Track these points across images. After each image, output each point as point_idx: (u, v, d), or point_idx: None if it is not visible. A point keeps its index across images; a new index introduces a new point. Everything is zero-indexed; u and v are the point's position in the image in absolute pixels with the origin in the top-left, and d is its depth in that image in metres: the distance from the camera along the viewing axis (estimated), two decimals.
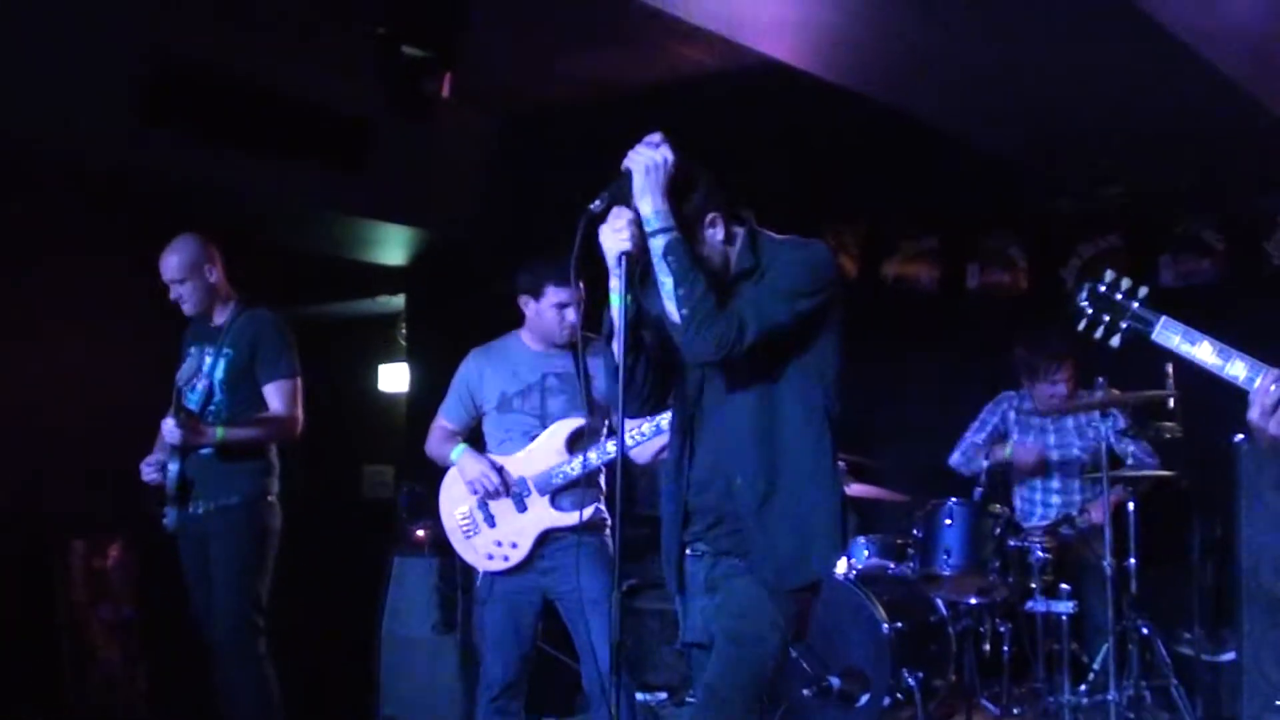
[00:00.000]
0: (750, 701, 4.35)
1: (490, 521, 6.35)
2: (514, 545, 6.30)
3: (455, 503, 6.47)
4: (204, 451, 6.71)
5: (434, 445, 6.59)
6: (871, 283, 10.51)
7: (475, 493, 6.35)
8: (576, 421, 6.28)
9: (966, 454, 8.64)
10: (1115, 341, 4.14)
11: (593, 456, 6.16)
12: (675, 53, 8.09)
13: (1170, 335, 4.04)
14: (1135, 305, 4.10)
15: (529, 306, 6.41)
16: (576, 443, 6.26)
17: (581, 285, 6.15)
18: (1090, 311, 4.16)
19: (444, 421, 6.59)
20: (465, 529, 6.42)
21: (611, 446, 6.05)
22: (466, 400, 6.53)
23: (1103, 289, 4.15)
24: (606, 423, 6.27)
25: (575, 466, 6.19)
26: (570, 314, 6.29)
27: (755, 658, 4.35)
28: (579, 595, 6.11)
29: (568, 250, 4.27)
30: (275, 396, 6.80)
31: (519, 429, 6.38)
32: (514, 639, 6.34)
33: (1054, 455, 8.50)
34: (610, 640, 4.26)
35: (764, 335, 4.24)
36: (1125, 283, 4.13)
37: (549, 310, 6.33)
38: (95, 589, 8.10)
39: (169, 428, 6.58)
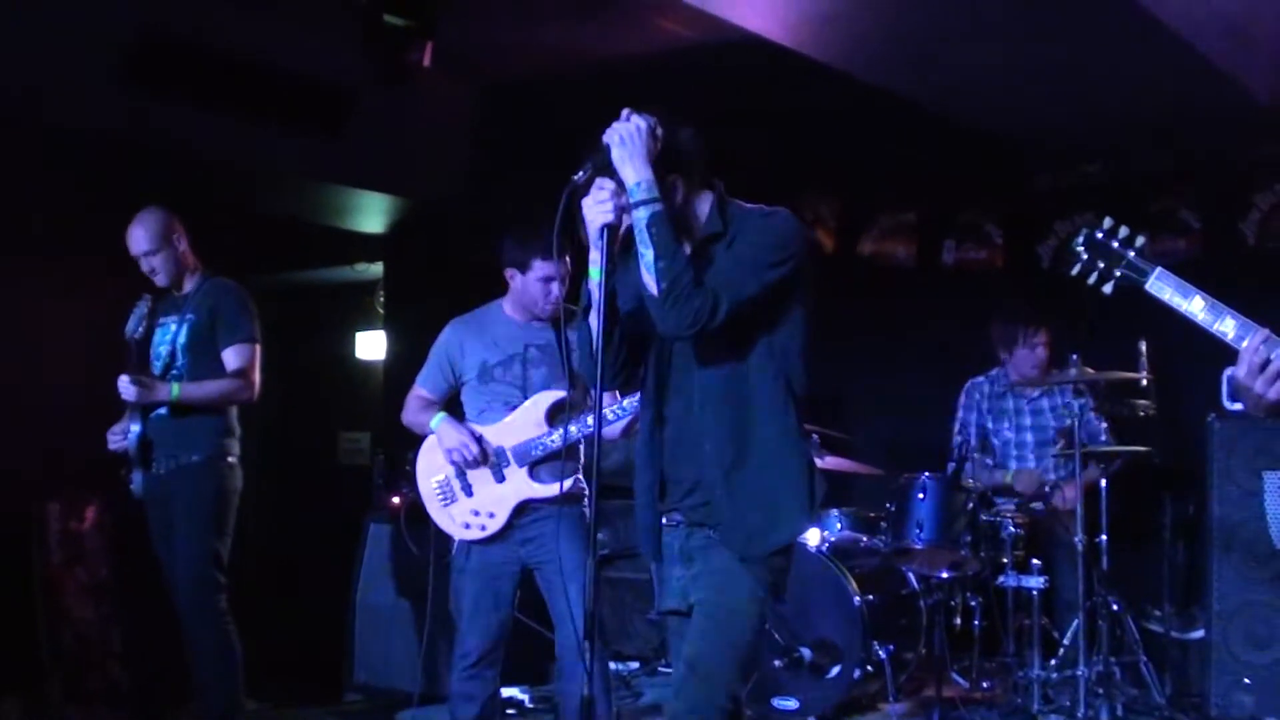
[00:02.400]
0: (732, 674, 4.36)
1: (468, 490, 6.35)
2: (491, 515, 6.30)
3: (432, 471, 6.47)
4: (161, 411, 6.80)
5: (411, 414, 6.58)
6: (848, 258, 10.54)
7: (453, 462, 6.36)
8: (558, 393, 6.27)
9: (956, 461, 8.64)
10: (1108, 289, 4.10)
11: (574, 429, 6.15)
12: (654, 25, 8.09)
13: (1163, 287, 4.00)
14: (1131, 254, 4.06)
15: (515, 279, 6.40)
16: (556, 415, 6.26)
17: (568, 260, 6.17)
18: (1086, 257, 4.11)
19: (421, 391, 6.58)
20: (442, 497, 6.41)
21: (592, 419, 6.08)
22: (446, 370, 6.51)
23: (1100, 235, 4.10)
24: (588, 396, 6.26)
25: (556, 439, 6.19)
26: (555, 288, 6.30)
27: (735, 630, 4.37)
28: (558, 564, 6.13)
29: (551, 223, 4.29)
30: (233, 359, 6.89)
31: (499, 399, 6.38)
32: (491, 607, 6.33)
33: (1029, 437, 8.53)
34: (585, 608, 4.28)
35: (735, 309, 4.26)
36: (1123, 230, 4.09)
37: (535, 284, 6.33)
38: (71, 551, 8.11)
39: (124, 383, 6.68)
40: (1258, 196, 9.23)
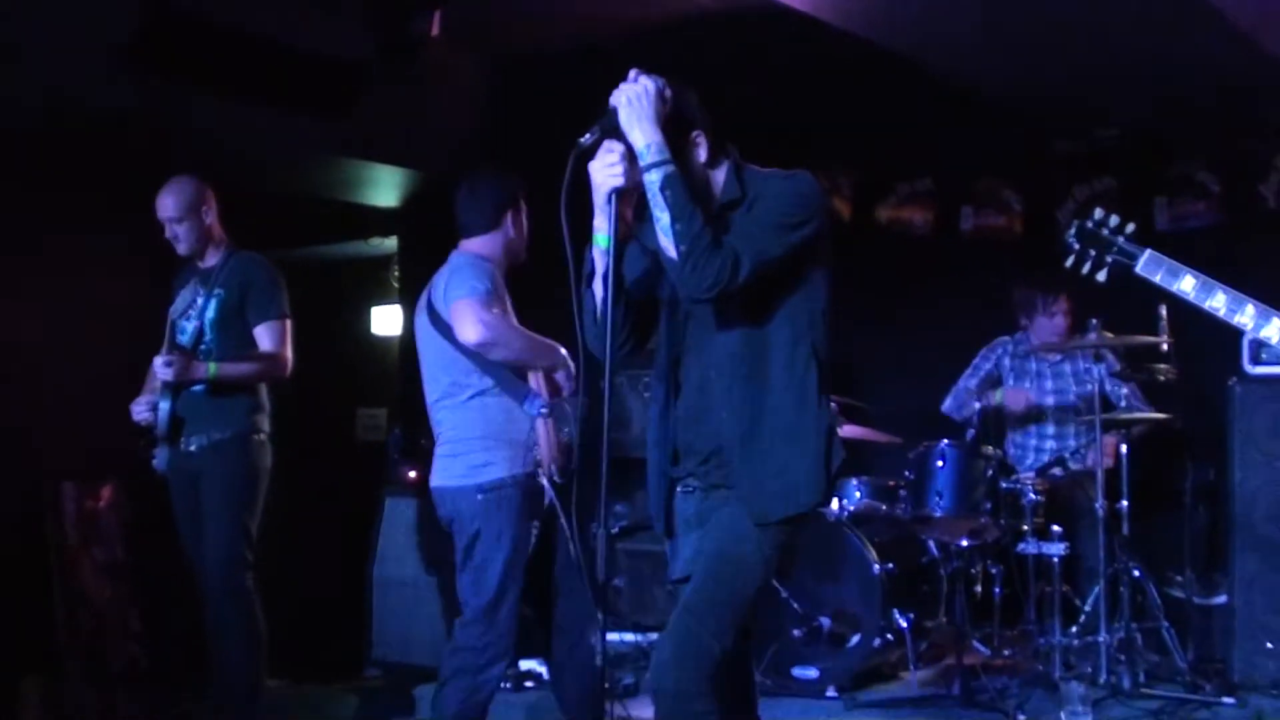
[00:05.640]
0: (723, 622, 4.26)
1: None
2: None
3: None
4: (196, 389, 6.76)
5: (529, 337, 6.06)
6: (865, 226, 10.47)
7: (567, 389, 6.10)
8: None
9: (958, 399, 8.65)
10: (1102, 276, 4.26)
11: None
12: None
13: (1154, 269, 4.16)
14: (1121, 240, 4.18)
15: (515, 223, 6.23)
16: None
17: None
18: (1078, 247, 4.30)
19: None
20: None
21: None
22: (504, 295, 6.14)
23: (1090, 225, 4.28)
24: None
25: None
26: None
27: (736, 578, 4.29)
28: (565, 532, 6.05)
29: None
30: (266, 336, 6.85)
31: None
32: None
33: (1050, 400, 8.52)
34: (598, 578, 4.24)
35: (758, 269, 4.19)
36: (1113, 219, 4.24)
37: (525, 221, 6.22)
38: (87, 531, 8.10)
39: (161, 364, 6.63)
40: (1277, 159, 9.16)
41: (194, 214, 6.81)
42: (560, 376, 6.03)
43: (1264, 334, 4.14)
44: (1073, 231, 4.32)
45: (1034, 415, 8.53)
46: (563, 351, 6.01)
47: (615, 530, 8.94)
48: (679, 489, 4.55)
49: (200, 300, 6.85)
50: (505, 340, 5.92)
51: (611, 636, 7.61)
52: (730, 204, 4.36)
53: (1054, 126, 9.79)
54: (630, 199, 4.26)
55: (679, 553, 4.58)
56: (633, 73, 4.21)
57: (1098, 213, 4.28)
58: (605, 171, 4.20)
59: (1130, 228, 4.21)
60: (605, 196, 4.21)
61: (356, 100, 8.56)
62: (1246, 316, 4.17)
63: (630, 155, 4.17)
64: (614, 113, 4.16)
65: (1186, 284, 4.13)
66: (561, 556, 6.20)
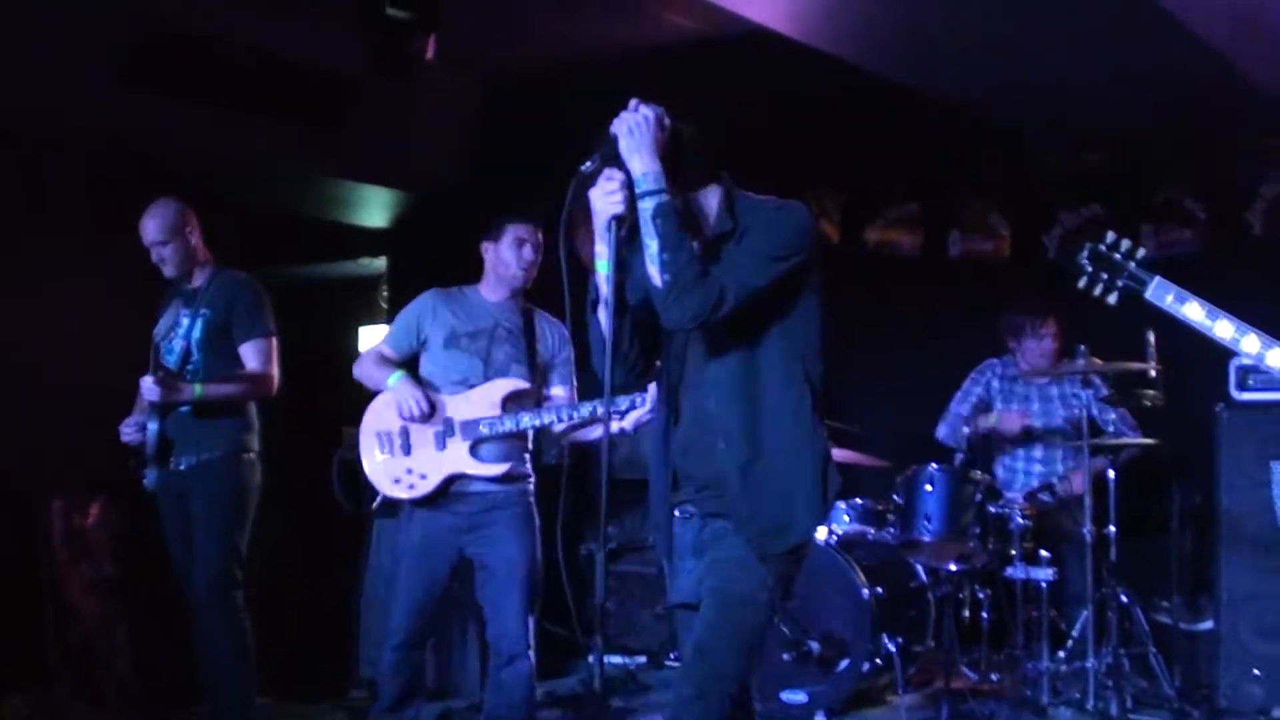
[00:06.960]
0: (739, 660, 4.34)
1: (406, 449, 6.45)
2: (423, 477, 6.40)
3: (379, 424, 6.57)
4: (183, 409, 6.77)
5: (368, 367, 6.70)
6: (853, 249, 10.49)
7: (403, 418, 6.43)
8: (519, 383, 6.43)
9: (952, 425, 8.66)
10: (1113, 299, 4.42)
11: (525, 419, 6.32)
12: (658, 16, 8.08)
13: (1163, 294, 4.30)
14: (1132, 265, 4.33)
15: (489, 252, 6.56)
16: (510, 403, 6.39)
17: (540, 233, 6.31)
18: (1091, 269, 4.43)
19: (385, 349, 6.70)
20: (380, 446, 6.54)
21: (548, 416, 6.30)
22: (413, 330, 6.61)
23: (1103, 249, 4.42)
24: (542, 392, 6.56)
25: (507, 424, 6.32)
26: (528, 251, 6.48)
27: (744, 617, 4.34)
28: (505, 565, 6.39)
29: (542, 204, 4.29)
30: (252, 355, 6.87)
31: (459, 368, 6.46)
32: (424, 588, 6.44)
33: (1037, 423, 8.53)
34: (596, 601, 4.30)
35: (743, 302, 4.23)
36: (1125, 244, 4.39)
37: (507, 250, 6.50)
38: (75, 548, 8.08)
39: (148, 385, 6.63)
40: (1263, 187, 9.21)
41: (178, 236, 6.82)
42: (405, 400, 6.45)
43: (1268, 363, 4.22)
44: (1086, 254, 4.43)
45: (1024, 437, 8.55)
46: (391, 379, 6.52)
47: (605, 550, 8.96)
48: (677, 514, 4.57)
49: (185, 321, 6.86)
50: (356, 360, 6.83)
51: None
52: (723, 236, 4.38)
53: (1041, 150, 9.82)
54: (628, 223, 4.30)
55: (678, 576, 4.60)
56: (633, 102, 4.23)
57: (1109, 236, 4.42)
58: (605, 199, 4.23)
59: (1141, 253, 4.37)
60: (606, 223, 4.24)
61: (348, 117, 8.58)
62: (1250, 345, 4.25)
63: (630, 183, 4.20)
64: (614, 141, 4.18)
65: (1193, 311, 4.25)
66: (482, 577, 6.48)
